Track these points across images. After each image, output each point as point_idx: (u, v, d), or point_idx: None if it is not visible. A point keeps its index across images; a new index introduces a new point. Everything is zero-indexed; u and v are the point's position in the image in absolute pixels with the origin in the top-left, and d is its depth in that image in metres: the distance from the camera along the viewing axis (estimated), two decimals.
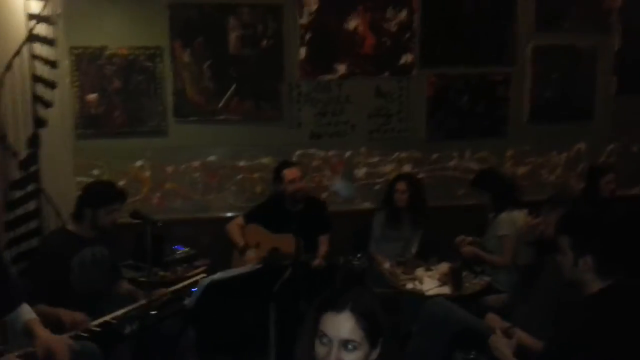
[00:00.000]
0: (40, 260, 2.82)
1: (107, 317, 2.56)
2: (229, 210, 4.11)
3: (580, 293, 2.14)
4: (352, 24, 4.15)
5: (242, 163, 4.15)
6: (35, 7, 3.33)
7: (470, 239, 3.56)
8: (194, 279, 3.04)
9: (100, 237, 2.87)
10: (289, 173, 3.65)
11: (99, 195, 2.82)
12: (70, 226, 2.88)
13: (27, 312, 2.27)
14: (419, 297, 3.08)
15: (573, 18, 4.38)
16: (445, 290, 3.08)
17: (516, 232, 3.41)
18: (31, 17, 3.32)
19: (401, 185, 3.75)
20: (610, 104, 4.52)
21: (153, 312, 2.38)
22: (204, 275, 3.19)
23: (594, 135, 4.55)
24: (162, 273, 3.38)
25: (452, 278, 3.07)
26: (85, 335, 2.41)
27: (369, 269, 3.37)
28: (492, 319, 2.59)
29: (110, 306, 2.73)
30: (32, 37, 3.31)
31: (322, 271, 3.42)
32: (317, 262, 3.42)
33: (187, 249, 3.70)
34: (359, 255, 3.07)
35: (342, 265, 3.13)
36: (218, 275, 2.54)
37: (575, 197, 3.48)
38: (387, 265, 3.47)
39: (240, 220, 3.76)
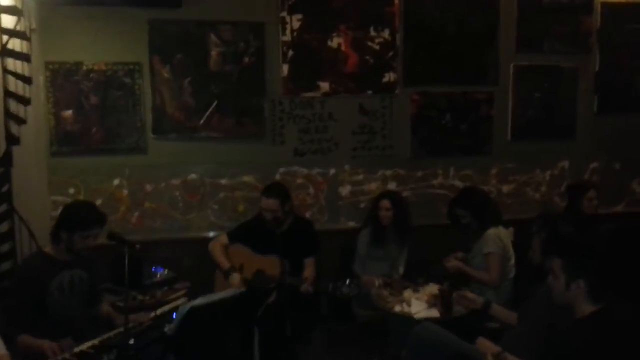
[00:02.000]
0: (17, 285, 2.72)
1: (83, 347, 2.43)
2: (211, 230, 4.02)
3: (571, 316, 2.11)
4: (334, 42, 4.14)
5: (223, 181, 4.07)
6: (9, 22, 3.24)
7: (460, 254, 3.52)
8: (174, 304, 2.93)
9: (78, 259, 2.77)
10: (264, 203, 3.51)
11: (75, 218, 2.70)
12: (48, 249, 2.78)
13: None
14: (408, 320, 3.02)
15: (553, 39, 4.47)
16: (434, 313, 3.02)
17: (502, 250, 3.39)
18: (4, 31, 3.22)
19: (385, 203, 3.71)
20: (591, 123, 4.60)
21: (131, 341, 2.26)
22: (185, 299, 3.10)
23: (577, 153, 4.61)
24: (140, 297, 3.27)
25: (442, 301, 3.01)
26: None
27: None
28: (483, 343, 2.54)
29: (89, 332, 2.62)
30: (4, 52, 3.21)
31: (308, 295, 3.32)
32: (304, 288, 3.30)
33: (166, 271, 3.59)
34: (347, 281, 2.99)
35: (331, 291, 3.05)
36: (199, 301, 2.45)
37: (558, 216, 3.47)
38: (377, 283, 3.40)
39: (224, 239, 3.65)
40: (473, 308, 2.92)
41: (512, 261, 3.47)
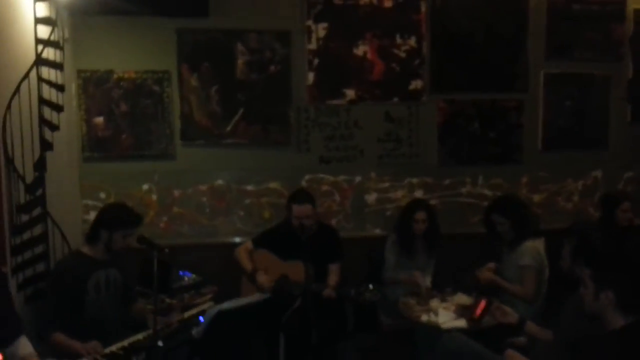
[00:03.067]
0: (55, 283, 2.79)
1: (113, 348, 2.47)
2: (237, 235, 4.04)
3: (602, 329, 2.05)
4: (360, 49, 4.14)
5: (249, 187, 4.09)
6: (44, 32, 3.33)
7: (492, 265, 3.40)
8: (201, 307, 2.96)
9: (113, 259, 2.86)
10: (297, 210, 3.50)
11: (117, 218, 2.80)
12: (84, 248, 2.87)
13: (24, 345, 2.22)
14: (435, 330, 2.97)
15: (584, 46, 4.39)
16: (462, 323, 2.96)
17: (539, 264, 3.28)
18: (39, 41, 3.30)
19: (421, 215, 3.63)
20: (625, 132, 4.48)
21: (160, 344, 2.28)
22: (212, 303, 3.11)
23: (610, 162, 4.49)
24: (168, 300, 3.29)
25: (484, 312, 2.91)
26: None
27: (381, 300, 3.25)
28: (512, 355, 2.48)
29: (120, 331, 2.68)
30: (40, 61, 3.29)
31: (332, 301, 3.30)
32: (327, 292, 3.29)
33: (194, 276, 3.62)
34: (370, 287, 2.96)
35: (354, 297, 3.02)
36: (226, 305, 2.48)
37: (592, 226, 3.37)
38: (423, 282, 3.36)
39: (249, 245, 3.66)
40: (506, 322, 2.82)
41: (546, 273, 3.36)
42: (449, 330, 2.91)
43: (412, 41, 4.20)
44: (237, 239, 3.97)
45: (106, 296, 2.81)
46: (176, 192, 4.01)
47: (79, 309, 2.71)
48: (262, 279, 3.41)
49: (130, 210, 2.94)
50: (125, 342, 2.54)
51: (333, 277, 3.49)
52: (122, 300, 2.94)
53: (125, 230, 2.78)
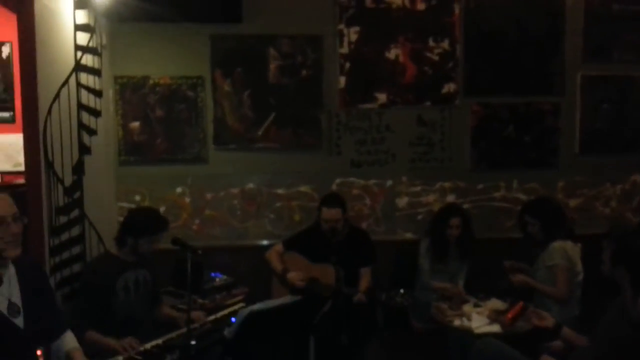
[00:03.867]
0: (85, 284, 2.86)
1: (147, 345, 2.51)
2: (267, 238, 4.07)
3: None
4: (392, 53, 4.13)
5: (280, 191, 4.12)
6: (83, 39, 3.43)
7: (520, 264, 3.38)
8: (233, 308, 2.97)
9: (142, 261, 2.89)
10: (326, 213, 3.51)
11: (142, 225, 2.82)
12: (113, 250, 2.91)
13: (70, 340, 2.26)
14: (468, 334, 2.91)
15: (622, 48, 4.27)
16: (495, 328, 2.90)
17: (568, 263, 3.22)
18: (78, 48, 3.40)
19: (456, 221, 3.59)
20: None
21: (193, 342, 2.30)
22: (243, 304, 3.14)
23: None
24: (200, 301, 3.34)
25: (519, 316, 2.86)
26: None
27: (413, 304, 3.21)
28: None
29: (150, 331, 2.71)
30: (79, 68, 3.39)
31: (363, 305, 3.28)
32: (358, 297, 3.27)
33: (225, 277, 3.65)
34: (401, 291, 2.93)
35: (385, 301, 2.99)
36: (258, 306, 2.49)
37: (633, 230, 3.26)
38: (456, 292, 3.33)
39: (279, 247, 3.68)
40: (541, 327, 2.75)
41: (580, 278, 3.29)
42: (483, 335, 2.85)
43: (445, 44, 4.16)
44: (268, 242, 4.00)
45: (135, 297, 2.84)
46: (208, 195, 4.07)
47: (108, 309, 2.74)
48: (293, 275, 3.41)
49: (156, 216, 2.95)
50: (160, 340, 2.56)
51: (364, 281, 3.47)
52: (152, 301, 2.98)
53: (150, 236, 2.80)
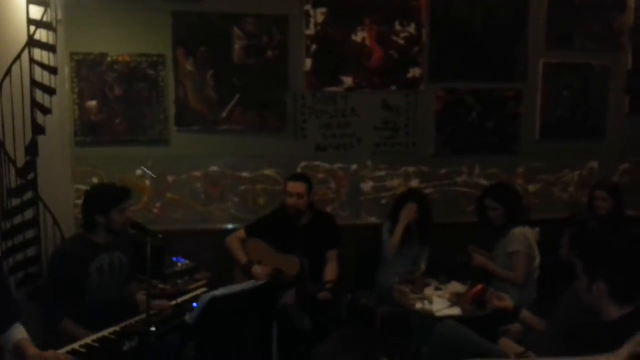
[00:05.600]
0: (54, 267, 2.75)
1: (105, 332, 2.45)
2: (231, 222, 4.01)
3: (598, 320, 2.04)
4: (359, 36, 4.09)
5: (244, 174, 4.06)
6: (36, 13, 3.27)
7: (482, 251, 3.45)
8: (195, 293, 2.94)
9: (117, 243, 2.82)
10: (289, 185, 3.53)
11: (106, 198, 2.75)
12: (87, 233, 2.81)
13: (19, 331, 2.19)
14: (429, 317, 2.96)
15: (584, 36, 4.36)
16: (456, 311, 2.96)
17: (529, 249, 3.31)
18: (31, 22, 3.25)
19: (412, 207, 3.63)
20: (623, 123, 4.48)
21: (153, 329, 2.26)
22: (205, 289, 3.10)
23: (607, 153, 4.49)
24: (162, 286, 3.28)
25: (479, 297, 2.91)
26: (83, 351, 2.29)
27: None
28: (506, 343, 2.48)
29: (124, 315, 2.65)
30: (32, 43, 3.24)
31: (328, 301, 3.26)
32: (323, 295, 3.24)
33: (187, 262, 3.60)
34: (366, 292, 2.95)
35: (350, 301, 3.01)
36: (220, 291, 2.46)
37: (593, 218, 3.36)
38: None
39: (241, 233, 3.64)
40: (500, 308, 2.82)
41: (537, 262, 3.39)
42: (444, 318, 2.90)
43: (412, 28, 4.15)
44: (231, 226, 3.95)
45: (110, 280, 2.77)
46: (170, 178, 3.97)
47: (80, 292, 2.67)
48: (259, 271, 3.38)
49: (113, 186, 2.90)
50: (118, 327, 2.51)
51: (331, 268, 3.46)
52: (125, 284, 2.91)
53: (119, 205, 2.72)
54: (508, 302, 2.76)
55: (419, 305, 3.07)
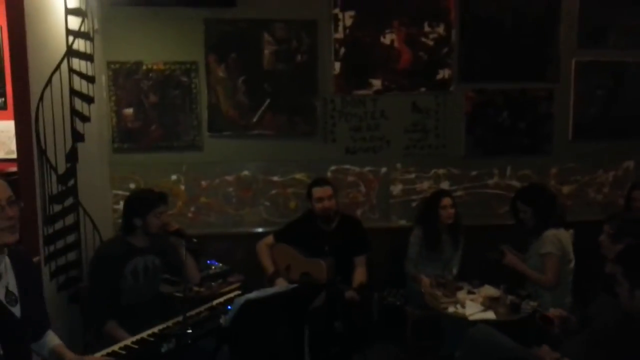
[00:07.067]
0: (97, 266, 2.88)
1: (144, 334, 2.52)
2: (262, 226, 4.07)
3: (637, 326, 2.01)
4: (387, 38, 4.10)
5: (275, 178, 4.11)
6: (74, 23, 3.37)
7: (515, 252, 3.40)
8: (229, 296, 2.99)
9: (153, 246, 2.92)
10: (316, 191, 3.55)
11: (143, 202, 2.88)
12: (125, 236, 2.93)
13: (53, 337, 2.23)
14: (462, 321, 2.95)
15: (617, 33, 4.27)
16: (489, 315, 2.94)
17: (561, 252, 3.26)
18: (70, 32, 3.35)
19: (447, 201, 3.63)
20: None
21: (189, 331, 2.32)
22: (239, 291, 3.14)
23: None
24: (196, 288, 3.34)
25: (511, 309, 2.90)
26: (123, 353, 2.36)
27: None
28: (542, 350, 2.45)
29: (158, 318, 2.72)
30: (71, 53, 3.34)
31: (355, 302, 3.28)
32: (349, 294, 3.27)
33: (221, 265, 3.66)
34: (394, 290, 2.96)
35: (377, 300, 3.02)
36: (254, 294, 2.49)
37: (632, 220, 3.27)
38: (429, 282, 3.34)
39: (270, 239, 3.67)
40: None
41: (572, 265, 3.33)
42: (476, 322, 2.89)
43: (441, 29, 4.13)
44: (263, 229, 4.01)
45: (144, 282, 2.87)
46: (204, 183, 4.05)
47: (116, 294, 2.78)
48: (281, 283, 3.40)
49: (151, 190, 3.05)
50: (156, 329, 2.58)
51: (359, 274, 3.46)
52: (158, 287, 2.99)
53: (155, 209, 2.85)
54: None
55: (451, 309, 3.06)
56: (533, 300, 3.13)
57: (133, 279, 2.84)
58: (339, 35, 4.05)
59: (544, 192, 3.55)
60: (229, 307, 2.59)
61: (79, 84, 3.45)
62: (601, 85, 4.29)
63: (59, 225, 3.19)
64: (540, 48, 4.22)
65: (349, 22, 4.05)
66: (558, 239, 3.27)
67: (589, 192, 4.38)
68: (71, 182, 3.30)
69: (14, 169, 3.64)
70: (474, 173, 4.26)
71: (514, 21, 4.17)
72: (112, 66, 3.89)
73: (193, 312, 2.72)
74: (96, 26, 3.73)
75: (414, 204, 4.19)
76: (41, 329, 2.18)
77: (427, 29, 4.12)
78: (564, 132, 4.30)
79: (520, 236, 3.49)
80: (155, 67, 3.93)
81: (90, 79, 3.58)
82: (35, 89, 2.97)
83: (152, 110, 3.95)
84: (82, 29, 3.44)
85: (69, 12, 3.34)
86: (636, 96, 4.33)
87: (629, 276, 2.00)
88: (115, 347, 2.41)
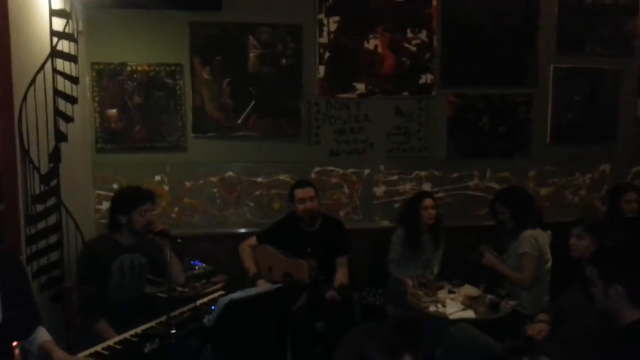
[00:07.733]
0: (82, 265, 2.88)
1: (127, 335, 2.52)
2: (246, 226, 4.09)
3: (613, 326, 2.06)
4: (371, 43, 4.16)
5: (259, 179, 4.14)
6: (58, 24, 3.36)
7: (494, 252, 3.48)
8: (213, 296, 3.00)
9: (140, 245, 2.92)
10: (299, 193, 3.59)
11: (129, 199, 2.87)
12: (112, 234, 2.93)
13: (43, 333, 2.24)
14: (442, 320, 3.01)
15: (595, 41, 4.39)
16: (469, 314, 3.00)
17: (538, 252, 3.34)
18: (54, 33, 3.34)
19: (429, 202, 3.70)
20: (634, 126, 4.50)
21: (173, 331, 2.33)
22: (222, 292, 3.15)
23: (618, 157, 4.52)
24: (180, 289, 3.34)
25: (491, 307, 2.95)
26: (106, 353, 2.36)
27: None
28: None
29: (142, 316, 2.73)
30: (54, 53, 3.33)
31: (336, 302, 3.32)
32: (330, 294, 3.30)
33: (204, 265, 3.67)
34: (373, 290, 3.00)
35: (357, 300, 3.06)
36: (237, 294, 2.51)
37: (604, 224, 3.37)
38: (411, 284, 3.40)
39: (252, 240, 3.70)
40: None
41: (549, 264, 3.41)
42: (457, 321, 2.94)
43: (423, 35, 4.21)
44: (247, 230, 4.03)
45: (130, 281, 2.87)
46: (188, 183, 4.07)
47: (103, 291, 2.78)
48: (263, 285, 3.43)
49: (138, 188, 3.02)
50: (139, 329, 2.58)
51: (340, 274, 3.51)
52: (144, 286, 3.00)
53: (140, 207, 2.84)
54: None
55: (432, 308, 3.11)
56: (512, 299, 3.21)
57: (119, 276, 2.84)
58: (324, 39, 4.10)
59: (522, 194, 3.64)
60: (213, 307, 2.61)
61: (63, 85, 3.44)
62: (578, 91, 4.41)
63: (41, 225, 3.17)
64: (519, 55, 4.32)
65: (333, 27, 4.10)
66: (535, 239, 3.35)
67: (566, 194, 4.49)
68: (54, 182, 3.29)
69: None
70: (454, 175, 4.34)
71: (494, 29, 4.27)
72: (96, 67, 3.88)
73: (177, 312, 2.73)
74: (80, 27, 3.72)
75: (396, 205, 4.25)
76: (29, 327, 2.17)
77: (409, 35, 4.20)
78: (542, 136, 4.40)
79: (499, 237, 3.57)
80: (139, 68, 3.93)
81: (74, 80, 3.57)
82: (18, 89, 2.96)
83: (136, 111, 3.95)
84: (67, 30, 3.43)
85: (53, 13, 3.34)
86: (612, 102, 4.46)
87: (603, 276, 2.05)
88: (99, 348, 2.41)
